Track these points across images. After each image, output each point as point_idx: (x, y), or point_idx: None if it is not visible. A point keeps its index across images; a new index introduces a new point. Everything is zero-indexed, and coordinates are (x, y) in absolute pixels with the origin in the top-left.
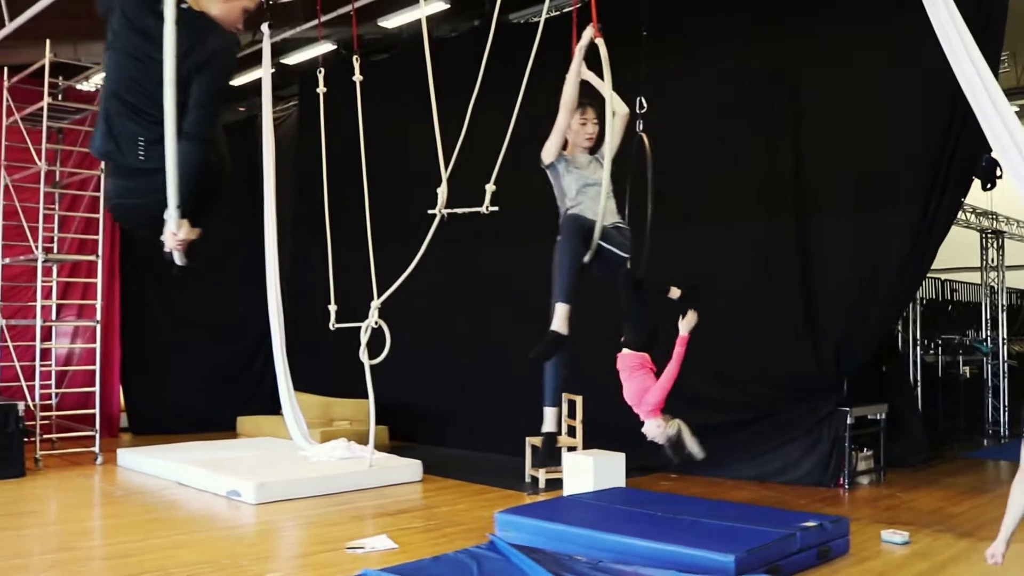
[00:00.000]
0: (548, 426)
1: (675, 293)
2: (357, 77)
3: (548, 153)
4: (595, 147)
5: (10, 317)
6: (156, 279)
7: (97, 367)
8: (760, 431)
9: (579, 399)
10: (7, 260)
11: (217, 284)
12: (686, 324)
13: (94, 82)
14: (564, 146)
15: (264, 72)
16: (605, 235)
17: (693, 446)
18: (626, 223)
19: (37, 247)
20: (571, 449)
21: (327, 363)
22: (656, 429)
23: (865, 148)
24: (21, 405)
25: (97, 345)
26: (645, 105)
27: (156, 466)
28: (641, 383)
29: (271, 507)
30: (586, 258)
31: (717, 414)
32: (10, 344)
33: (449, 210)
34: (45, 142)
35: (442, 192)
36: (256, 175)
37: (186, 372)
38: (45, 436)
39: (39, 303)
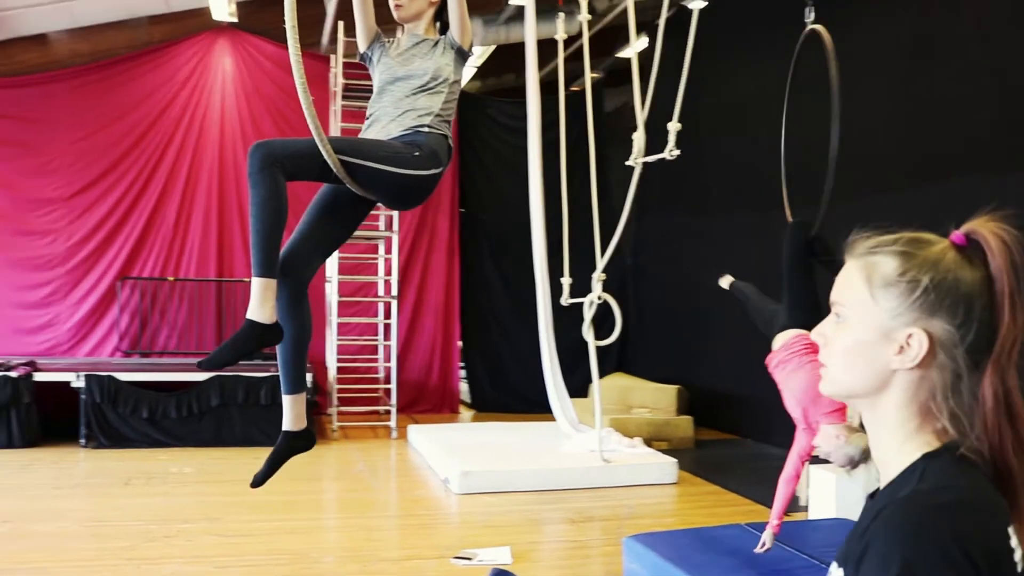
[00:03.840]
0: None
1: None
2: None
3: (359, 39)
4: (444, 26)
5: (351, 295)
6: (494, 255)
7: (392, 342)
8: None
9: None
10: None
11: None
12: None
13: (471, 64)
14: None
15: (528, 35)
16: (351, 147)
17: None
18: (437, 129)
19: None
20: None
21: (649, 345)
22: (834, 440)
23: None
24: (307, 377)
25: (393, 321)
26: None
27: (424, 445)
28: (816, 374)
29: (470, 499)
30: (355, 188)
31: None
32: (334, 320)
33: (644, 159)
34: (332, 122)
35: (638, 139)
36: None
37: (525, 350)
38: (343, 408)
39: (336, 278)
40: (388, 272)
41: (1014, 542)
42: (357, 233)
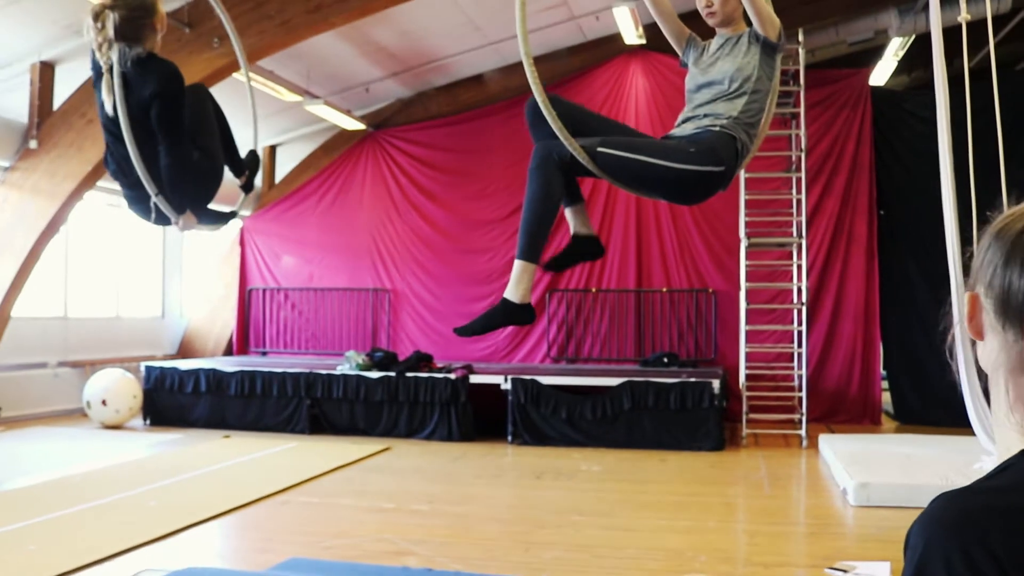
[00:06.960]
0: None
1: None
2: None
3: (673, 46)
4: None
5: (767, 302)
6: (917, 257)
7: (803, 348)
8: None
9: None
10: (749, 241)
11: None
12: None
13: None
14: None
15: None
16: (622, 143)
17: None
18: (728, 130)
19: (740, 232)
20: None
21: None
22: None
23: None
24: (716, 383)
25: (803, 328)
26: None
27: (830, 455)
28: None
29: (865, 511)
30: (613, 181)
31: None
32: (743, 327)
33: None
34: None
35: None
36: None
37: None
38: (753, 415)
39: (743, 285)
40: (800, 279)
41: None
42: (768, 240)
